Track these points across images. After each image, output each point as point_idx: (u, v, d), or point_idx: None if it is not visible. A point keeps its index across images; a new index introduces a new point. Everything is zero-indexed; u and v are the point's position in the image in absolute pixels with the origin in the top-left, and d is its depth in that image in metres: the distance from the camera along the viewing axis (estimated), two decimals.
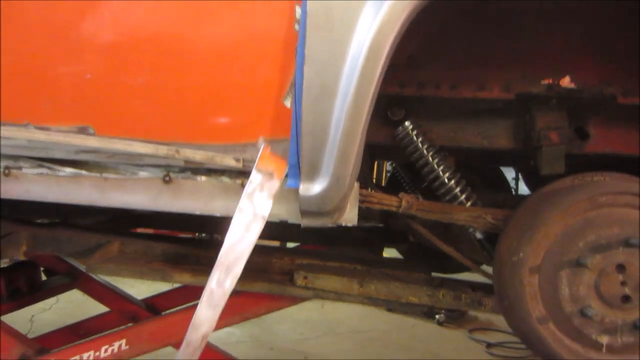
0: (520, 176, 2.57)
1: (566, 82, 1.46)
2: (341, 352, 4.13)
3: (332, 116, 0.96)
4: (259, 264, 1.92)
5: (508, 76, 1.49)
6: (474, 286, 1.71)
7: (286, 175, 1.06)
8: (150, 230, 2.70)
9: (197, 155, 1.06)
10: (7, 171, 1.19)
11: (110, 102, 1.09)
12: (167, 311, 2.58)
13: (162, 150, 1.07)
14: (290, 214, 1.10)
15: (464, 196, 1.57)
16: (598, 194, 1.19)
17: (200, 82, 1.05)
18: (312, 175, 1.01)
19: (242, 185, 1.11)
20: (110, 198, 1.15)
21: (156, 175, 1.14)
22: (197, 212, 1.12)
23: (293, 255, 1.95)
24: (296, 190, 1.10)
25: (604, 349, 1.17)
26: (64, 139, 1.10)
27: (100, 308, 2.87)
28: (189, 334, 0.98)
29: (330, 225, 1.10)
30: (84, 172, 1.15)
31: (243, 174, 1.12)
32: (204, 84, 1.05)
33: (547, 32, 1.44)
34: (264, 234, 2.65)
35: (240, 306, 1.98)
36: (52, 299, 4.33)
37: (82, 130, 1.11)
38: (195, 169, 1.13)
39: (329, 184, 1.00)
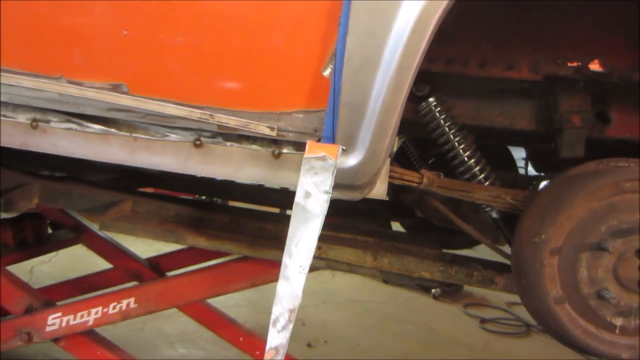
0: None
1: (595, 65, 1.46)
2: (339, 320, 4.20)
3: (372, 88, 0.95)
4: (271, 231, 1.94)
5: (537, 57, 1.48)
6: (484, 264, 1.74)
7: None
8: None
9: (231, 121, 1.05)
10: (35, 124, 1.18)
11: (146, 61, 1.07)
12: (173, 272, 2.61)
13: (196, 113, 1.06)
14: None
15: (482, 175, 1.58)
16: (623, 179, 1.20)
17: (239, 46, 1.03)
18: (348, 148, 1.00)
19: (273, 154, 1.11)
20: (139, 158, 1.14)
21: (187, 139, 1.13)
22: (226, 178, 1.12)
23: None
24: None
25: (617, 330, 1.20)
26: (96, 95, 1.08)
27: (100, 264, 2.89)
28: (275, 309, 0.98)
29: (359, 199, 1.10)
30: (113, 130, 1.14)
31: (275, 142, 1.12)
32: (242, 48, 1.03)
33: (578, 15, 1.43)
34: (271, 202, 2.65)
35: (250, 272, 2.00)
36: (51, 252, 4.36)
37: (116, 88, 1.09)
38: (227, 135, 1.12)
39: (365, 158, 1.00)
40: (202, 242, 1.80)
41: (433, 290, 5.22)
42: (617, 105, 1.62)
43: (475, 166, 1.59)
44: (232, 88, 1.06)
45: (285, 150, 1.10)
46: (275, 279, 2.05)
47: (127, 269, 2.74)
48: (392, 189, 2.45)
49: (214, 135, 1.13)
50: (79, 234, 2.88)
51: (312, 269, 1.93)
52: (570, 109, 1.53)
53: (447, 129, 1.58)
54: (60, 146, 1.18)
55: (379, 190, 1.14)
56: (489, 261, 1.77)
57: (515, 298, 1.42)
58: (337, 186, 1.06)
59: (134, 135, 1.14)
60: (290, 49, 1.01)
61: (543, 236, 1.21)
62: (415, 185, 1.47)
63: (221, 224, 1.93)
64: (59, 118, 1.18)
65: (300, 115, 1.04)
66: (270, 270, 1.97)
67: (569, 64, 1.46)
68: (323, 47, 0.99)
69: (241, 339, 2.64)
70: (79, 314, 2.05)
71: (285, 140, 1.10)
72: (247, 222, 1.95)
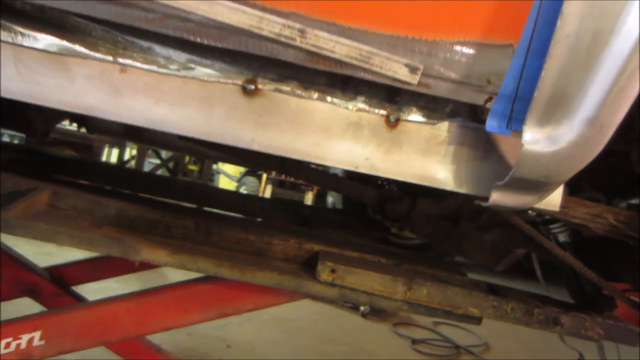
0: None
1: None
2: (268, 341, 3.71)
3: (621, 12, 0.52)
4: (254, 244, 1.42)
5: None
6: (539, 298, 1.37)
7: (481, 112, 0.60)
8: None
9: (339, 47, 0.55)
10: None
11: None
12: (81, 285, 1.99)
13: (272, 25, 0.54)
14: (461, 182, 0.64)
15: None
16: None
17: None
18: (554, 116, 0.56)
19: (387, 121, 0.62)
20: (129, 108, 0.59)
21: (230, 79, 0.60)
22: (295, 157, 0.61)
23: (300, 238, 1.46)
24: (477, 143, 0.65)
25: None
26: None
27: None
28: None
29: (527, 207, 0.66)
30: (79, 47, 0.58)
31: (392, 99, 0.63)
32: None
33: None
34: (224, 205, 2.10)
35: (217, 297, 1.47)
36: None
37: None
38: (310, 77, 0.61)
39: (583, 134, 0.56)
40: (162, 257, 1.23)
41: (362, 308, 5.02)
42: None
43: None
44: None
45: (410, 117, 0.62)
46: (252, 307, 1.54)
47: (18, 281, 2.08)
48: (379, 197, 2.11)
49: (285, 76, 0.61)
50: None
51: (322, 299, 1.45)
52: None
53: None
54: None
55: (554, 197, 0.70)
56: (542, 296, 1.41)
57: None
58: (513, 183, 0.61)
59: (120, 61, 0.59)
60: None
61: None
62: None
63: (184, 231, 1.37)
64: None
65: (467, 51, 0.57)
66: (247, 295, 1.46)
67: None
68: None
69: None
70: None
71: (418, 96, 0.61)
72: (220, 229, 1.40)
